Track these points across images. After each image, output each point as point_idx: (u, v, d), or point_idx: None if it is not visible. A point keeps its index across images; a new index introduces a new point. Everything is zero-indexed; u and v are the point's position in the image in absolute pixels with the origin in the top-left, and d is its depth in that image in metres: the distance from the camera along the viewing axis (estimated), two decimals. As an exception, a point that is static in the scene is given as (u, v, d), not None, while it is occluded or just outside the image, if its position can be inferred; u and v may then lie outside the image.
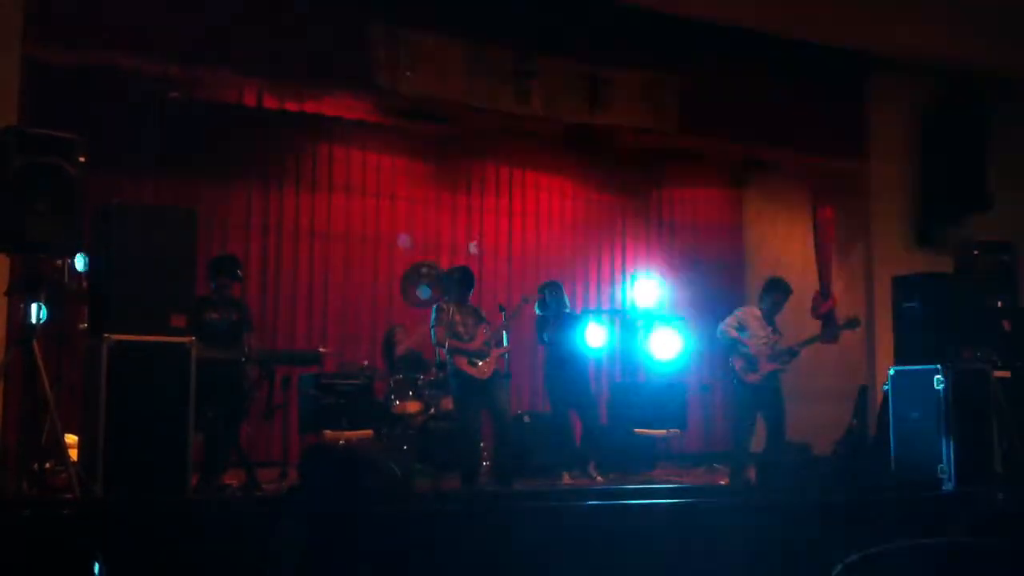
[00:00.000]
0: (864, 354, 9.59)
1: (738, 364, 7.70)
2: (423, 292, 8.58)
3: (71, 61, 7.03)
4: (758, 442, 7.96)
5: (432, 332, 7.73)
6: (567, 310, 8.51)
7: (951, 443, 6.95)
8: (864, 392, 9.62)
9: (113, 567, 2.82)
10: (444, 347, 7.60)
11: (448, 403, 8.19)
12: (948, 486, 6.86)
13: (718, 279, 11.33)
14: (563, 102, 8.67)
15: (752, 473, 7.53)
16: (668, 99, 9.07)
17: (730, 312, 8.08)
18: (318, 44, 7.79)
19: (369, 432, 8.08)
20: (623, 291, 11.10)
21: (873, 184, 10.04)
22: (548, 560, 4.28)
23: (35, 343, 5.36)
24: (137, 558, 3.73)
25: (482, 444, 7.98)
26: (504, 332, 7.79)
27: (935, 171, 10.00)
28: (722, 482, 8.41)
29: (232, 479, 6.93)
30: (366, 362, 8.76)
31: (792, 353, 7.72)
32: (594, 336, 8.89)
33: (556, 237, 10.94)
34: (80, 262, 6.15)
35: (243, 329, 7.08)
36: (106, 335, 5.52)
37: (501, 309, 8.09)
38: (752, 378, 7.66)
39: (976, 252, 8.11)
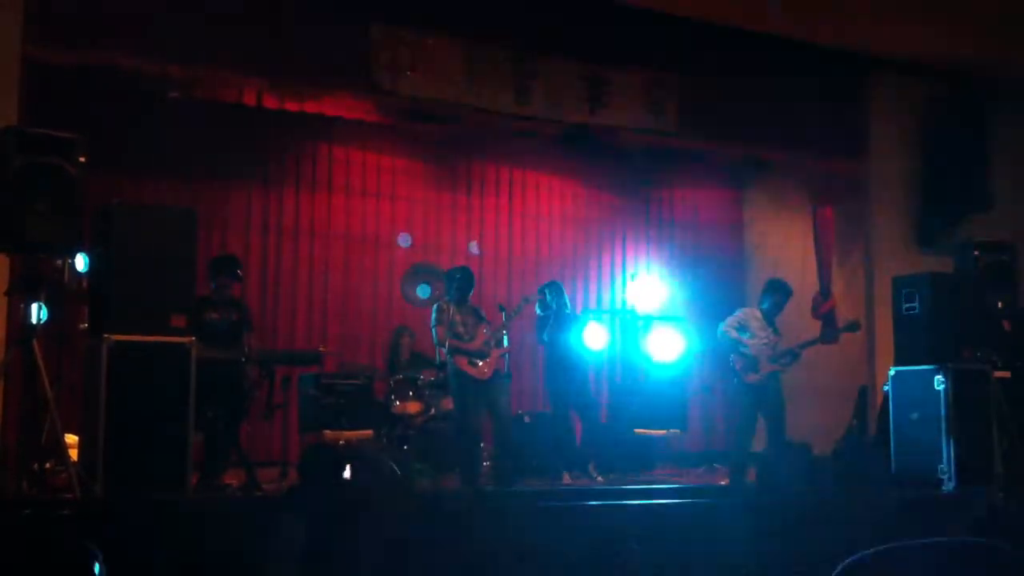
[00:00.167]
0: (864, 354, 9.58)
1: (738, 364, 7.69)
2: (423, 291, 8.57)
3: (71, 61, 7.03)
4: (759, 443, 7.96)
5: (432, 332, 7.72)
6: (567, 310, 8.51)
7: (951, 443, 6.94)
8: (864, 392, 9.62)
9: (113, 567, 2.81)
10: (444, 347, 7.59)
11: (448, 403, 8.18)
12: (948, 486, 6.86)
13: (718, 279, 11.32)
14: (563, 102, 8.68)
15: (752, 473, 7.53)
16: (668, 99, 9.07)
17: (730, 312, 8.07)
18: (318, 44, 7.79)
19: (369, 432, 8.07)
20: (623, 291, 11.10)
21: (873, 184, 10.04)
22: (548, 560, 4.28)
23: (35, 343, 5.37)
24: (137, 558, 3.73)
25: (482, 444, 7.98)
26: (504, 332, 7.78)
27: (935, 171, 9.99)
28: (722, 482, 8.40)
29: (232, 479, 6.92)
30: (366, 362, 8.75)
31: (794, 356, 7.71)
32: (594, 336, 8.88)
33: (556, 237, 10.94)
34: (80, 262, 6.15)
35: (243, 329, 7.07)
36: (106, 335, 5.52)
37: (501, 309, 8.09)
38: (752, 378, 7.65)
39: (976, 252, 8.09)
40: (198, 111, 8.34)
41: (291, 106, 8.23)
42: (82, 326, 6.24)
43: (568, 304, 8.52)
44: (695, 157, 10.30)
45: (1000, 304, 7.73)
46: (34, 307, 5.42)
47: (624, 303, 10.90)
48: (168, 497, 5.37)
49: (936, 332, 7.20)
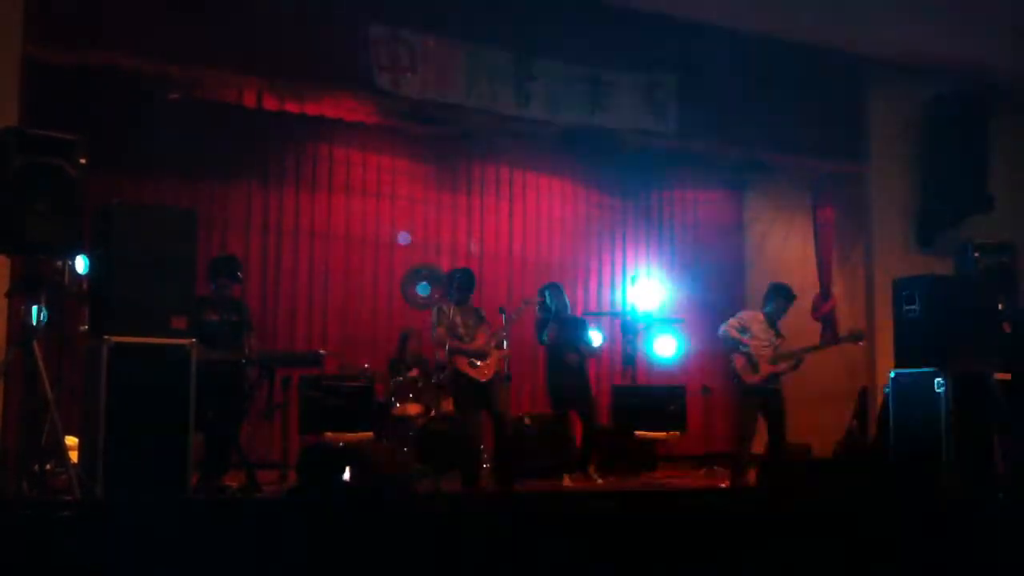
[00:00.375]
0: (864, 356, 9.58)
1: (739, 364, 7.69)
2: (423, 289, 8.57)
3: (71, 61, 7.03)
4: (759, 444, 7.96)
5: (433, 333, 7.72)
6: (567, 312, 8.51)
7: (951, 445, 6.93)
8: (864, 394, 9.62)
9: (113, 569, 2.81)
10: (444, 348, 7.59)
11: (448, 405, 8.19)
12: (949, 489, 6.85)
13: (718, 281, 11.32)
14: (563, 104, 8.68)
15: (752, 475, 7.52)
16: (668, 101, 9.07)
17: (731, 314, 8.09)
18: (318, 45, 7.80)
19: (369, 434, 8.07)
20: (624, 293, 11.09)
21: (873, 186, 10.05)
22: (548, 561, 4.28)
23: (35, 344, 5.36)
24: (137, 560, 3.72)
25: (482, 446, 7.98)
26: (504, 334, 7.78)
27: (935, 173, 9.99)
28: (722, 484, 8.40)
29: (232, 480, 6.91)
30: (366, 364, 8.75)
31: (796, 361, 7.70)
32: (595, 338, 8.88)
33: (556, 239, 10.94)
34: (80, 263, 6.14)
35: (243, 330, 7.06)
36: (106, 336, 5.52)
37: (501, 311, 8.08)
38: (752, 379, 7.65)
39: (977, 254, 8.10)
40: (198, 112, 8.34)
41: (291, 107, 8.23)
42: (82, 327, 6.23)
43: (568, 306, 8.52)
44: (695, 158, 10.30)
45: (1000, 306, 7.72)
46: (34, 308, 5.41)
47: (624, 304, 10.89)
48: (168, 499, 5.36)
49: (936, 334, 7.18)
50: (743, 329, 7.76)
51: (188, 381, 5.69)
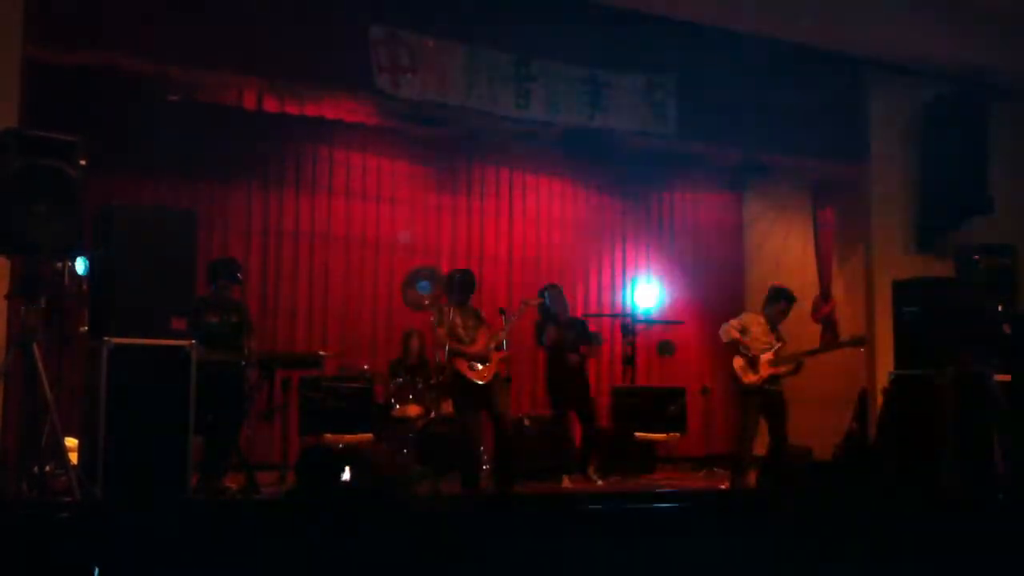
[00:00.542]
0: (864, 358, 9.57)
1: (738, 364, 7.69)
2: (423, 288, 8.56)
3: (71, 62, 7.02)
4: (760, 445, 7.95)
5: (434, 334, 7.72)
6: (567, 313, 8.50)
7: (952, 447, 6.93)
8: (864, 396, 9.61)
9: (112, 571, 2.81)
10: (444, 349, 7.59)
11: (448, 406, 8.18)
12: (949, 490, 6.85)
13: (718, 282, 11.32)
14: (563, 105, 8.68)
15: (753, 477, 7.52)
16: (667, 102, 9.07)
17: (731, 315, 8.09)
18: (318, 46, 7.79)
19: (369, 435, 8.07)
20: (623, 294, 11.09)
21: (873, 187, 10.04)
22: (548, 564, 4.28)
23: (35, 345, 5.35)
24: (137, 561, 3.72)
25: (482, 448, 7.97)
26: (504, 336, 7.78)
27: (935, 174, 9.99)
28: (722, 486, 8.40)
29: (232, 482, 6.91)
30: (366, 365, 8.75)
31: (798, 364, 7.69)
32: (595, 339, 8.87)
33: (556, 240, 10.93)
34: (80, 265, 6.14)
35: (243, 331, 7.06)
36: (106, 338, 5.52)
37: (501, 312, 8.09)
38: (751, 378, 7.63)
39: (976, 255, 8.09)
40: (198, 113, 8.34)
41: (291, 108, 8.23)
42: (82, 328, 6.23)
43: (568, 307, 8.52)
44: (695, 160, 10.29)
45: (1000, 307, 7.72)
46: (34, 309, 5.41)
47: (624, 306, 10.89)
48: (168, 500, 5.36)
49: (936, 335, 7.19)
50: (743, 330, 7.75)
51: (188, 382, 5.70)
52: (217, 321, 6.90)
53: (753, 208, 11.74)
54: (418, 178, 10.31)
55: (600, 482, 8.39)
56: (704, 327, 10.62)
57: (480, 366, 7.47)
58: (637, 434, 9.31)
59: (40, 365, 5.32)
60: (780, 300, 7.88)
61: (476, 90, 8.32)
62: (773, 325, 7.81)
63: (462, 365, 7.46)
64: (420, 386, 8.33)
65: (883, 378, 8.09)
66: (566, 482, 8.11)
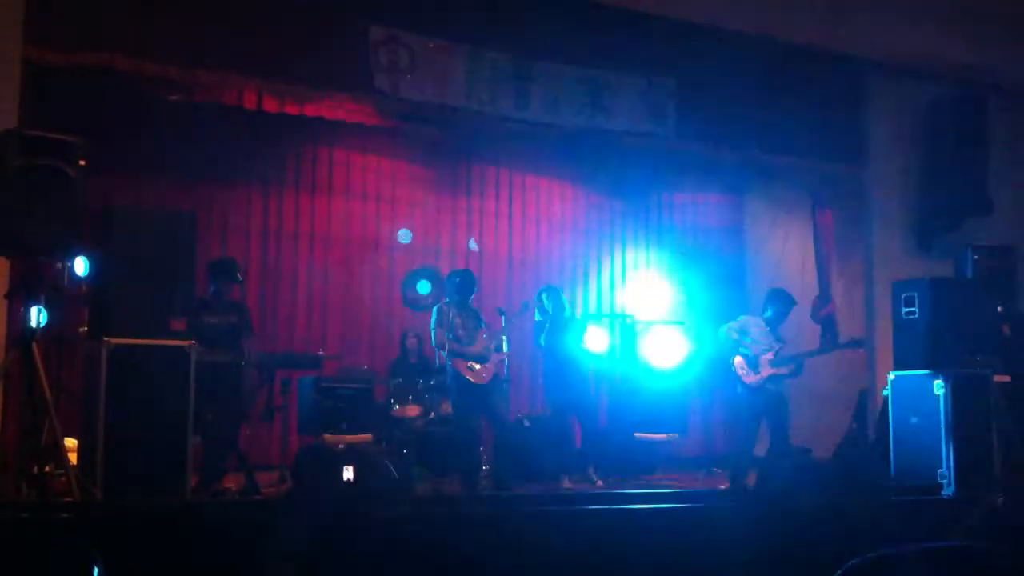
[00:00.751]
0: (864, 358, 9.57)
1: (738, 364, 7.69)
2: (423, 287, 8.56)
3: (71, 62, 7.02)
4: (761, 446, 7.95)
5: (432, 334, 7.72)
6: (566, 314, 8.51)
7: (951, 448, 6.94)
8: (864, 396, 9.61)
9: (112, 571, 2.81)
10: (443, 350, 7.59)
11: (448, 407, 8.18)
12: (948, 491, 6.85)
13: (718, 283, 11.31)
14: (563, 106, 8.68)
15: (752, 478, 7.52)
16: (667, 103, 9.08)
17: (731, 316, 8.09)
18: (318, 47, 7.80)
19: (368, 436, 8.06)
20: (623, 295, 11.09)
21: (873, 188, 10.05)
22: (547, 564, 4.28)
23: (35, 346, 5.35)
24: (136, 562, 3.72)
25: (481, 448, 7.98)
26: (504, 336, 7.78)
27: (935, 175, 10.00)
28: (722, 487, 8.39)
29: (231, 483, 6.91)
30: (366, 366, 8.74)
31: (797, 366, 7.69)
32: (594, 340, 8.87)
33: (556, 241, 10.93)
34: (80, 265, 6.14)
35: (242, 332, 7.06)
36: (106, 338, 5.51)
37: (501, 313, 8.08)
38: (752, 379, 7.63)
39: (976, 256, 8.10)
40: (198, 113, 8.34)
41: (291, 109, 8.23)
42: (82, 329, 6.23)
43: (566, 308, 8.52)
44: (694, 161, 10.29)
45: (1000, 308, 7.73)
46: (34, 310, 5.41)
47: (624, 307, 10.89)
48: (167, 501, 5.36)
49: (936, 336, 7.18)
50: (743, 331, 7.76)
51: (187, 383, 5.69)
52: (216, 322, 6.91)
53: (753, 209, 11.72)
54: (418, 178, 10.31)
55: (600, 482, 8.39)
56: (704, 328, 10.60)
57: (479, 367, 7.47)
58: (636, 434, 9.31)
59: (39, 365, 5.33)
60: (778, 302, 7.88)
61: (476, 91, 8.33)
62: (773, 328, 7.82)
63: (461, 366, 7.46)
64: (420, 386, 8.33)
65: (883, 378, 8.09)
66: (565, 483, 8.10)
